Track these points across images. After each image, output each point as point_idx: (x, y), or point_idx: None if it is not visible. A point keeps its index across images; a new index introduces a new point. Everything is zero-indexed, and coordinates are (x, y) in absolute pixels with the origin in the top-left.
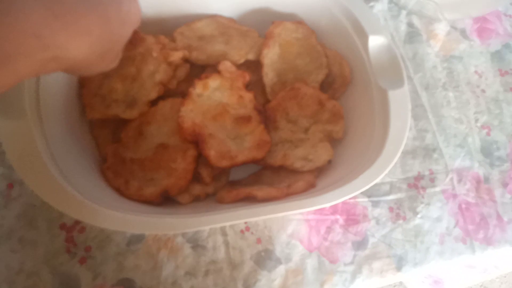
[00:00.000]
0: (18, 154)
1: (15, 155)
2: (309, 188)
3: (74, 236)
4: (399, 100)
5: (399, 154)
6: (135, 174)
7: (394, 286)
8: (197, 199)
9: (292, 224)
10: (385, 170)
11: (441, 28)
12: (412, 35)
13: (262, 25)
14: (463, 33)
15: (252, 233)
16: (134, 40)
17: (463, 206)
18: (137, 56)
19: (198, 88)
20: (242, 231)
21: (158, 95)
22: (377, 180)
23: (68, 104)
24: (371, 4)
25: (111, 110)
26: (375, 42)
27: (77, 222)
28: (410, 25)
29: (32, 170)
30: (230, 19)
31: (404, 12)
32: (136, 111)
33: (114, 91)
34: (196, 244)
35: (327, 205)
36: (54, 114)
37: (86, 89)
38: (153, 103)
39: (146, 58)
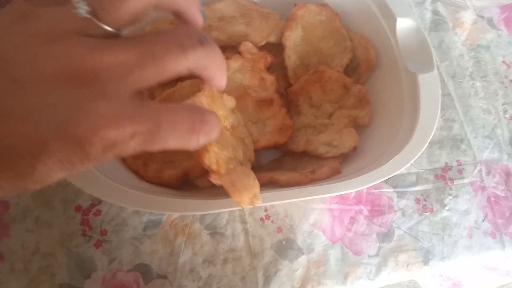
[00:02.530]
0: None
1: None
2: (334, 174)
3: (89, 219)
4: (430, 84)
5: (429, 140)
6: (154, 156)
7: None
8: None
9: (314, 213)
10: (414, 157)
11: (467, 17)
12: (438, 23)
13: (283, 8)
14: (490, 22)
15: (272, 221)
16: None
17: (492, 199)
18: None
19: None
20: (262, 219)
21: None
22: (406, 167)
23: None
24: None
25: None
26: (403, 24)
27: (92, 205)
28: (435, 12)
29: None
30: (251, 2)
31: None
32: None
33: None
34: (215, 231)
35: (353, 190)
36: None
37: None
38: (171, 84)
39: None
